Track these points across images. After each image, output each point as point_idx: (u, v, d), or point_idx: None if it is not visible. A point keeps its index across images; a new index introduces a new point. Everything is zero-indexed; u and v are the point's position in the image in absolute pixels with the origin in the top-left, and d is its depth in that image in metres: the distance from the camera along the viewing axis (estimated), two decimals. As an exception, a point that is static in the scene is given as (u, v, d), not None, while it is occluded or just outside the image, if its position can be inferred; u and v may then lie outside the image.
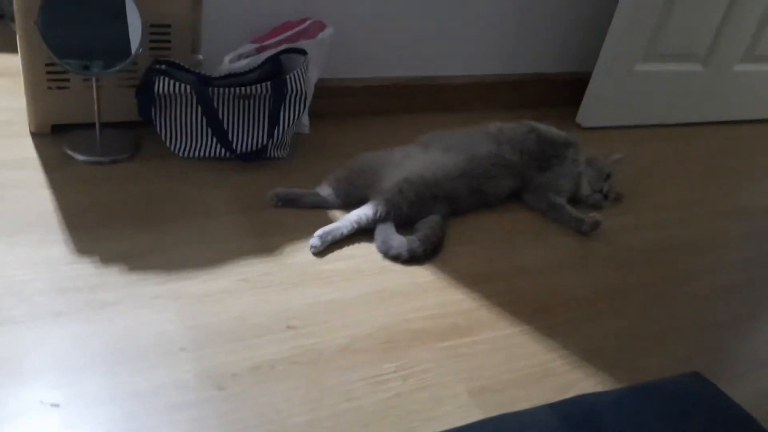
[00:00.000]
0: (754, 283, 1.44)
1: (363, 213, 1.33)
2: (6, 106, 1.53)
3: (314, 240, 1.27)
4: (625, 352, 1.18)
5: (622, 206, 1.62)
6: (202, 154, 1.48)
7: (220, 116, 1.44)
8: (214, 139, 1.46)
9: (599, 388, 1.08)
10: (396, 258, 1.29)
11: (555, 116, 1.89)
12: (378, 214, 1.33)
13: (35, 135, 1.46)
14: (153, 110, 1.42)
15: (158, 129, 1.45)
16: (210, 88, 1.40)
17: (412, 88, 1.84)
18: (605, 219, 1.50)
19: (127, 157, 1.45)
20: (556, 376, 1.11)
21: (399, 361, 1.08)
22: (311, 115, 1.67)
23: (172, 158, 1.48)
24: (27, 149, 1.41)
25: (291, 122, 1.48)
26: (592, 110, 2.01)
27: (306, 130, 1.66)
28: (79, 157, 1.41)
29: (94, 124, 1.44)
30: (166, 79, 1.38)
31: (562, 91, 2.06)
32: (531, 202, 1.54)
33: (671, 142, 2.07)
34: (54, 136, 1.46)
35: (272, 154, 1.52)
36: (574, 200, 1.57)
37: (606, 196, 1.58)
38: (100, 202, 1.31)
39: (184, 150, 1.47)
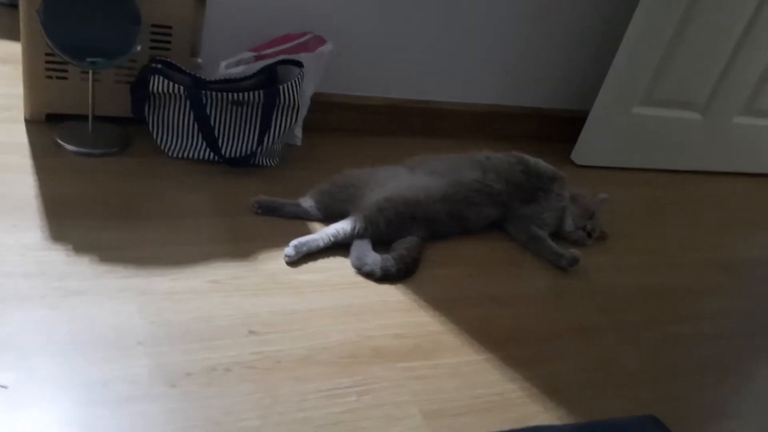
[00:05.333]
0: (726, 335, 1.43)
1: (341, 227, 1.34)
2: (4, 92, 1.56)
3: (289, 249, 1.28)
4: (586, 390, 1.18)
5: (604, 246, 1.62)
6: (190, 155, 1.49)
7: (212, 120, 1.45)
8: (204, 142, 1.47)
9: (555, 422, 1.08)
10: (369, 275, 1.30)
11: (549, 151, 1.90)
12: (356, 230, 1.34)
13: (29, 122, 1.48)
14: (146, 108, 1.44)
15: (150, 127, 1.47)
16: (203, 91, 1.42)
17: (406, 110, 1.86)
18: (585, 257, 1.49)
19: (117, 152, 1.47)
20: (514, 407, 1.10)
21: (357, 376, 1.08)
22: (304, 128, 1.69)
23: (161, 157, 1.49)
24: (19, 135, 1.43)
25: (281, 132, 1.49)
26: (587, 148, 2.02)
27: (298, 142, 1.68)
28: (70, 147, 1.43)
29: (87, 117, 1.46)
30: (161, 78, 1.40)
31: (559, 127, 2.07)
32: (512, 233, 1.55)
33: (662, 187, 2.07)
34: (47, 124, 1.48)
35: (261, 162, 1.53)
36: (557, 235, 1.57)
37: (589, 234, 1.58)
38: (82, 193, 1.32)
39: (174, 150, 1.49)
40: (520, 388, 1.14)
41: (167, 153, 1.49)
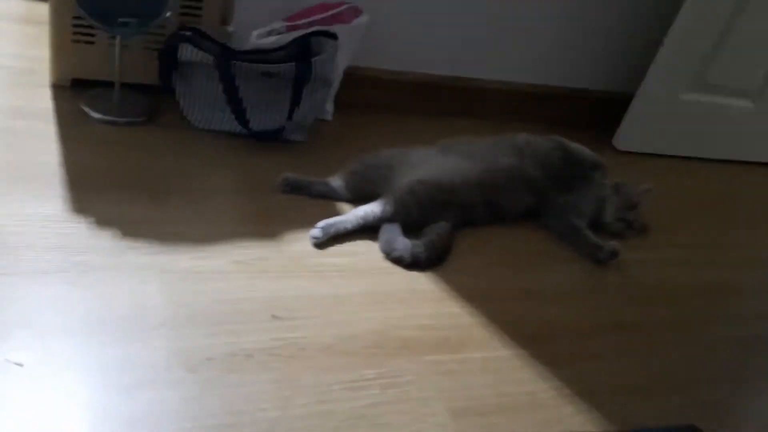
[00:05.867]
0: (772, 339, 1.36)
1: (371, 210, 1.28)
2: (31, 54, 1.51)
3: (316, 231, 1.23)
4: (621, 393, 1.12)
5: (645, 239, 1.54)
6: (218, 127, 1.45)
7: (241, 92, 1.40)
8: (232, 114, 1.42)
9: (587, 428, 1.02)
10: (398, 261, 1.24)
11: (590, 136, 1.82)
12: (385, 213, 1.28)
13: (55, 87, 1.44)
14: (174, 76, 1.39)
15: (177, 96, 1.43)
16: (233, 62, 1.37)
17: (442, 88, 1.78)
18: (625, 250, 1.42)
19: (143, 121, 1.43)
20: (544, 408, 1.05)
21: (382, 368, 1.03)
22: (336, 103, 1.63)
23: (187, 129, 1.45)
24: (44, 100, 1.40)
25: (312, 107, 1.44)
26: (630, 134, 1.93)
27: (329, 117, 1.62)
28: (95, 114, 1.39)
29: (113, 84, 1.41)
30: (190, 46, 1.35)
31: (601, 110, 1.98)
32: (549, 223, 1.48)
33: (709, 178, 1.98)
34: (73, 90, 1.44)
35: (289, 137, 1.48)
36: (595, 226, 1.49)
37: (630, 226, 1.51)
38: (106, 163, 1.29)
39: (201, 121, 1.44)
40: (551, 387, 1.08)
41: (193, 124, 1.45)
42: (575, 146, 1.53)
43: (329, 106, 1.61)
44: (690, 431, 1.04)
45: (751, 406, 1.18)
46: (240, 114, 1.41)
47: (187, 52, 1.35)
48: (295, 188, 1.34)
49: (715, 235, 1.69)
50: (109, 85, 1.42)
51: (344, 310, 1.12)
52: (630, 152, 1.94)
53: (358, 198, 1.35)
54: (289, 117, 1.43)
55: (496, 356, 1.12)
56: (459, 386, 1.04)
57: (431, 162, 1.39)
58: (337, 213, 1.32)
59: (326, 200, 1.36)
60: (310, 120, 1.50)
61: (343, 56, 1.51)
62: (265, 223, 1.26)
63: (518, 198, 1.44)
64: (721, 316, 1.39)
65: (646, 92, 1.85)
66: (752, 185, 2.01)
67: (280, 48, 1.42)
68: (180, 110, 1.44)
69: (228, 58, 1.37)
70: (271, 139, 1.45)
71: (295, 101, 1.41)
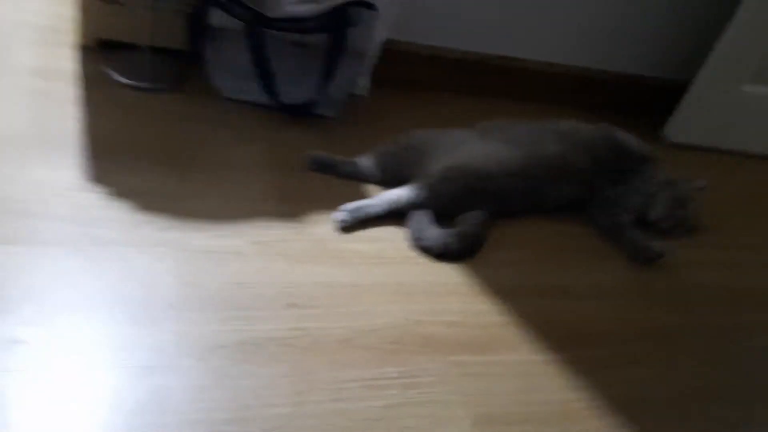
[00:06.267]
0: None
1: (401, 194, 1.21)
2: (56, 12, 1.46)
3: (342, 214, 1.16)
4: (663, 407, 1.03)
5: (694, 239, 1.43)
6: (247, 98, 1.38)
7: (270, 61, 1.32)
8: (260, 84, 1.35)
9: (623, 446, 0.95)
10: (426, 250, 1.17)
11: (639, 124, 1.70)
12: (417, 199, 1.21)
13: (79, 47, 1.38)
14: (203, 42, 1.33)
15: (207, 64, 1.36)
16: (264, 29, 1.29)
17: (486, 67, 1.68)
18: (672, 250, 1.32)
19: (170, 88, 1.37)
20: (575, 420, 0.97)
21: (403, 366, 0.96)
22: (372, 79, 1.54)
23: (215, 98, 1.38)
24: (68, 61, 1.35)
25: (346, 81, 1.36)
26: (683, 125, 1.80)
27: (364, 92, 1.54)
28: (121, 78, 1.33)
29: (141, 47, 1.35)
30: (221, 11, 1.27)
31: (653, 98, 1.86)
32: (593, 217, 1.37)
33: (766, 176, 1.84)
34: (99, 52, 1.38)
35: (320, 112, 1.41)
36: (643, 223, 1.39)
37: (679, 225, 1.40)
38: (128, 131, 1.23)
39: (229, 91, 1.38)
40: (584, 398, 1.00)
41: (222, 93, 1.38)
42: (625, 136, 1.42)
43: (364, 81, 1.52)
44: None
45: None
46: (269, 85, 1.34)
47: (216, 17, 1.28)
48: (322, 167, 1.27)
49: (769, 237, 1.58)
50: (136, 48, 1.36)
51: (366, 301, 1.05)
52: (682, 144, 1.82)
53: (389, 181, 1.28)
54: (321, 91, 1.35)
55: (525, 360, 1.04)
56: (484, 391, 0.97)
57: (468, 146, 1.30)
58: (365, 196, 1.24)
59: (355, 181, 1.28)
60: (343, 95, 1.42)
61: (381, 28, 1.43)
62: (288, 202, 1.19)
63: (561, 189, 1.34)
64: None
65: (705, 81, 1.72)
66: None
67: (315, 17, 1.34)
68: (208, 78, 1.37)
69: (259, 25, 1.30)
70: (301, 113, 1.38)
71: (328, 75, 1.33)
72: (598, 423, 0.97)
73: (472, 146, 1.30)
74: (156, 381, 0.84)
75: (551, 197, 1.33)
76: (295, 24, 1.33)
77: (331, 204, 1.18)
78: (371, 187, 1.28)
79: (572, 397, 1.00)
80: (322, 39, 1.31)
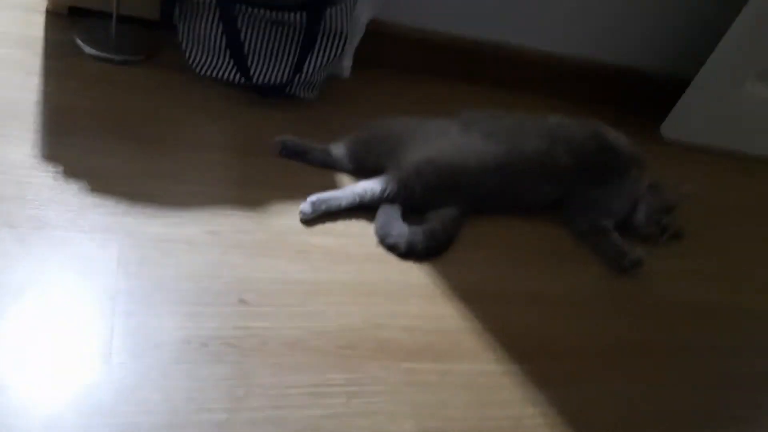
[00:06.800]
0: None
1: (370, 187, 1.16)
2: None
3: (306, 206, 1.11)
4: (618, 427, 0.99)
5: (677, 247, 1.38)
6: (220, 75, 1.31)
7: (243, 38, 1.26)
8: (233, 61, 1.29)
9: (573, 469, 0.91)
10: (392, 248, 1.12)
11: (636, 119, 1.64)
12: (386, 193, 1.16)
13: (49, 14, 1.32)
14: (176, 13, 1.26)
15: (180, 36, 1.30)
16: (238, 5, 1.23)
17: (476, 53, 1.60)
18: (653, 259, 1.27)
19: (140, 60, 1.31)
20: (528, 438, 0.93)
21: (351, 373, 0.93)
22: (355, 59, 1.48)
23: (187, 73, 1.32)
24: (34, 28, 1.29)
25: (324, 62, 1.30)
26: (681, 122, 1.74)
27: (345, 73, 1.48)
28: (88, 49, 1.28)
29: (111, 15, 1.29)
30: (193, -17, 1.21)
31: (651, 93, 1.78)
32: (572, 218, 1.32)
33: (764, 179, 1.78)
34: (68, 19, 1.32)
35: (297, 93, 1.35)
36: (624, 228, 1.33)
37: (663, 231, 1.34)
38: (91, 105, 1.18)
39: (203, 66, 1.31)
40: (541, 413, 0.97)
41: (195, 68, 1.32)
42: (614, 136, 1.36)
43: (347, 62, 1.46)
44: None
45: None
46: (241, 62, 1.28)
47: (189, -11, 1.22)
48: (292, 153, 1.22)
49: (761, 247, 1.51)
50: (108, 18, 1.30)
51: (321, 300, 1.01)
52: (678, 142, 1.75)
53: (361, 170, 1.23)
54: (297, 71, 1.29)
55: (483, 370, 1.00)
56: (434, 402, 0.93)
57: (447, 138, 1.24)
58: (334, 184, 1.20)
59: (326, 169, 1.23)
60: (322, 77, 1.36)
61: (365, 7, 1.36)
62: (251, 188, 1.14)
63: (541, 188, 1.29)
64: (747, 347, 1.24)
65: (706, 78, 1.65)
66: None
67: (293, -7, 1.28)
68: (182, 52, 1.31)
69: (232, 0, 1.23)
70: (274, 94, 1.32)
71: (304, 55, 1.27)
72: (551, 441, 0.94)
73: (450, 138, 1.24)
74: (82, 380, 0.80)
75: (528, 196, 1.28)
76: (271, 0, 1.26)
77: (298, 193, 1.13)
78: (344, 176, 1.23)
79: (527, 413, 0.96)
80: (299, 17, 1.24)
